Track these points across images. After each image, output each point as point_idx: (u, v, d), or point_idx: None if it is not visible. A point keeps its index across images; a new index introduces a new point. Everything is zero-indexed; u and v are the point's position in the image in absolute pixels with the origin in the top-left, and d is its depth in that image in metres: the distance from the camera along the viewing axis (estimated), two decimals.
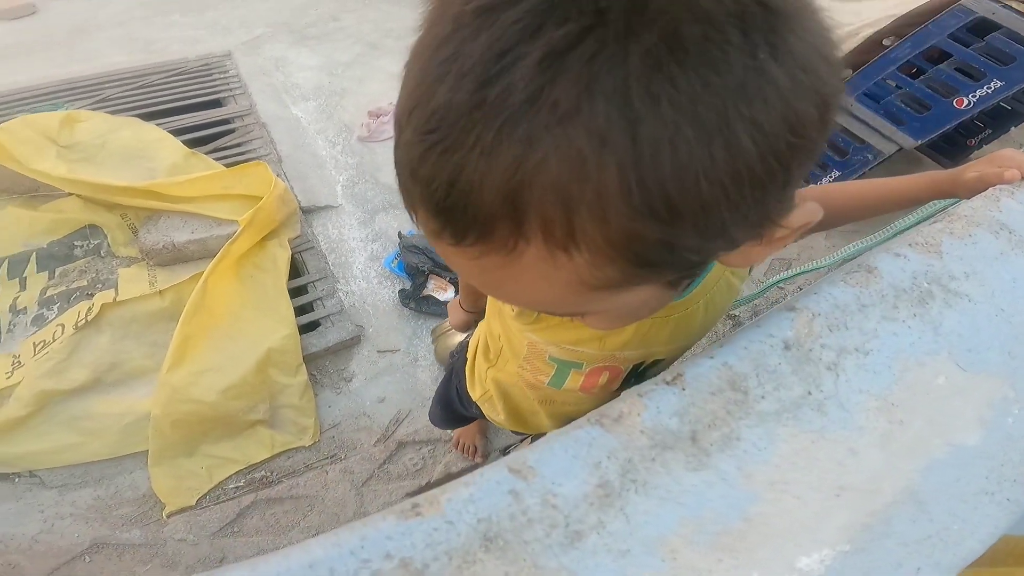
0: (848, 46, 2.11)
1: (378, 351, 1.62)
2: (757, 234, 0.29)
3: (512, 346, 0.60)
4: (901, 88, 2.03)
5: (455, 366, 0.91)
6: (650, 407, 0.30)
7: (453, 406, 0.96)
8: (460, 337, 1.28)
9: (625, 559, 0.26)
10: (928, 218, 0.53)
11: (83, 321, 1.39)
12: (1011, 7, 1.88)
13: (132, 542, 1.29)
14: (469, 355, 0.78)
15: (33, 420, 1.35)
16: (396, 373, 1.58)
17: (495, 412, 0.74)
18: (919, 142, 1.96)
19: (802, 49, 0.23)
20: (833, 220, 0.56)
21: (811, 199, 0.52)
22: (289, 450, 1.45)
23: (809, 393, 0.32)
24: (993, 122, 2.08)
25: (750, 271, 0.59)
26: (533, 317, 0.51)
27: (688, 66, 0.21)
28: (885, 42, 2.08)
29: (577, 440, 0.29)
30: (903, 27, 2.03)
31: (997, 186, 0.51)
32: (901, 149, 1.99)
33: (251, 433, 1.44)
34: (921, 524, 0.29)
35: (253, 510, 1.35)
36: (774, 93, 0.23)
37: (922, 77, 1.99)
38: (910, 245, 0.40)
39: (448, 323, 1.05)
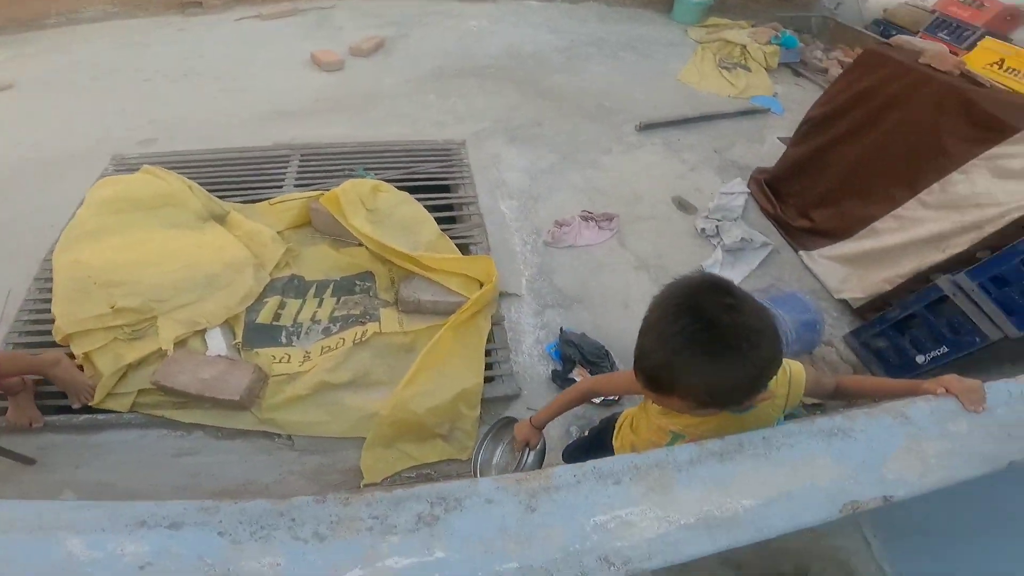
0: (992, 227, 2.30)
1: (527, 408, 2.21)
2: (750, 400, 0.91)
3: (649, 424, 1.22)
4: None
5: (602, 430, 1.56)
6: (663, 452, 0.83)
7: (591, 451, 1.56)
8: None
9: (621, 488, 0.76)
10: None
11: (359, 340, 2.12)
12: None
13: None
14: (618, 425, 1.43)
15: (307, 400, 2.02)
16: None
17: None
18: (1022, 333, 2.12)
19: (753, 361, 0.82)
20: (850, 397, 1.05)
21: (838, 380, 1.23)
22: (452, 460, 2.04)
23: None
24: None
25: (783, 410, 1.11)
26: (667, 413, 1.11)
27: (719, 366, 0.82)
28: None
29: (624, 458, 0.81)
30: None
31: (927, 395, 0.98)
32: (1006, 337, 2.15)
33: (432, 442, 2.06)
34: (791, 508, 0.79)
35: None
36: (742, 375, 0.83)
37: None
38: (842, 414, 0.92)
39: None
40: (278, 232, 2.47)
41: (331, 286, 2.34)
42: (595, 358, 2.28)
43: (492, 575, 0.66)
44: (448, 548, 0.67)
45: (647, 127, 3.85)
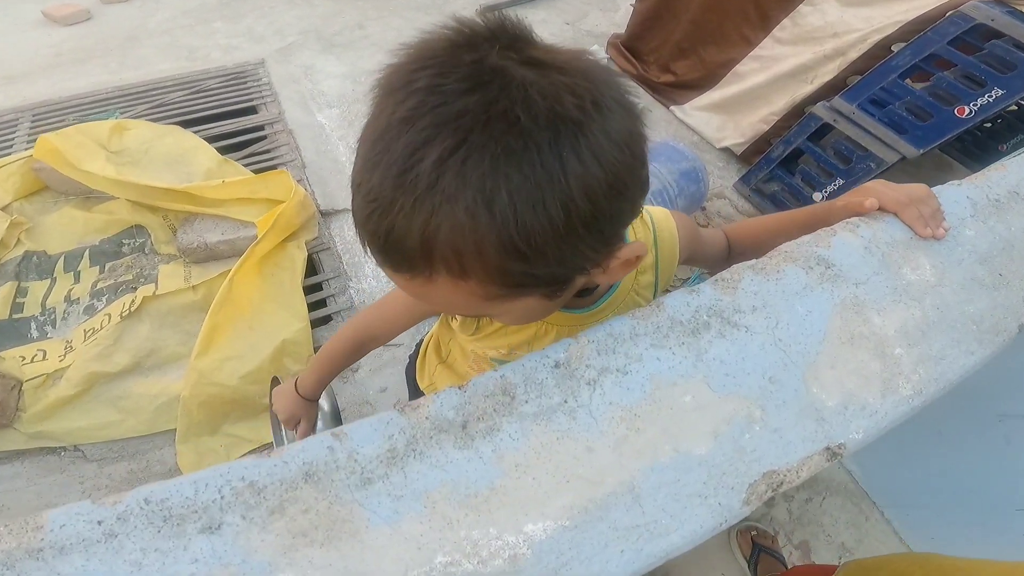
0: (856, 52, 2.12)
1: (384, 346, 1.79)
2: (597, 264, 0.41)
3: (462, 351, 0.74)
4: (904, 96, 1.98)
5: (407, 367, 1.03)
6: (436, 401, 0.41)
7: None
8: None
9: (398, 502, 0.37)
10: None
11: (127, 312, 1.60)
12: (1017, 10, 1.79)
13: None
14: (421, 351, 0.92)
15: (80, 399, 1.54)
16: (398, 365, 1.71)
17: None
18: (921, 151, 1.93)
19: (596, 146, 0.35)
20: (751, 252, 0.60)
21: (726, 232, 0.64)
22: None
23: (565, 401, 0.41)
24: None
25: (655, 294, 0.64)
26: (473, 328, 0.62)
27: (517, 165, 0.33)
28: (894, 48, 2.05)
29: (380, 420, 0.39)
30: (910, 33, 1.98)
31: (851, 219, 0.56)
32: (904, 158, 1.96)
33: (265, 416, 1.62)
34: (633, 514, 0.37)
35: None
36: (574, 179, 0.34)
37: (924, 85, 1.95)
38: (714, 282, 0.49)
39: None
40: (4, 207, 1.85)
41: (86, 254, 1.78)
42: None
43: None
44: None
45: (490, 9, 3.37)
